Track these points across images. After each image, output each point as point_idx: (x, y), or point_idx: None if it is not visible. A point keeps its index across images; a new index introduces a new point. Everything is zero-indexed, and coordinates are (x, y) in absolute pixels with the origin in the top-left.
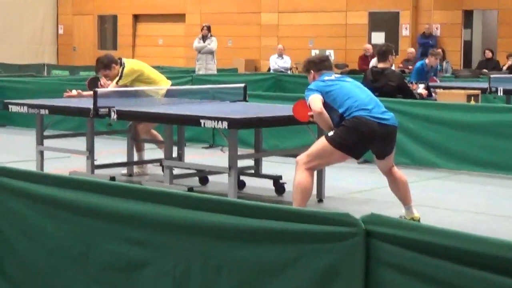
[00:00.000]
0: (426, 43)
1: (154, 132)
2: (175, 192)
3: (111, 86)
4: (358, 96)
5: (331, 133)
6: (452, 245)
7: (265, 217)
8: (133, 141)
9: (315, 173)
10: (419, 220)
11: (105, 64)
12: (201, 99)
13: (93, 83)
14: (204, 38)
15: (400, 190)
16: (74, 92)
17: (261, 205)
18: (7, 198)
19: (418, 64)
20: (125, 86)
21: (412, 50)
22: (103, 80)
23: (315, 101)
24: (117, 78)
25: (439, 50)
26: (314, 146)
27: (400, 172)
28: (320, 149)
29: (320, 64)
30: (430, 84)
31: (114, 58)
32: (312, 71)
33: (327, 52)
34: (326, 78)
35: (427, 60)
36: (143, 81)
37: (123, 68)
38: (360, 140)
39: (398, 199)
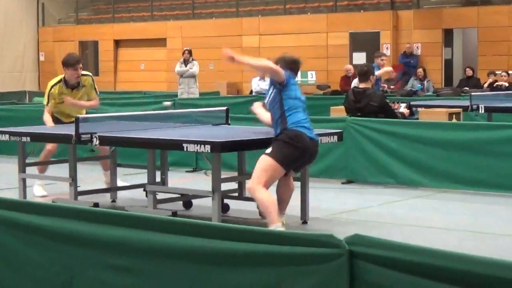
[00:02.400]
0: (407, 62)
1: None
2: (159, 217)
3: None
4: (302, 113)
5: (268, 150)
6: (438, 264)
7: (249, 240)
8: (114, 166)
9: (299, 193)
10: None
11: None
12: (184, 123)
13: None
14: (185, 62)
15: (283, 193)
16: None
17: (244, 229)
18: None
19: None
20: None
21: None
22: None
23: (279, 69)
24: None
25: (382, 51)
26: (256, 167)
27: (292, 181)
28: (263, 166)
29: (291, 65)
30: (412, 103)
31: None
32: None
33: (309, 74)
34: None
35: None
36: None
37: (92, 80)
38: (296, 154)
39: (277, 201)
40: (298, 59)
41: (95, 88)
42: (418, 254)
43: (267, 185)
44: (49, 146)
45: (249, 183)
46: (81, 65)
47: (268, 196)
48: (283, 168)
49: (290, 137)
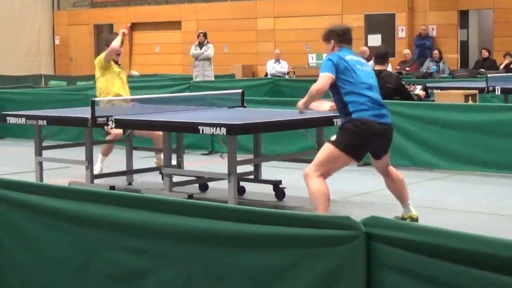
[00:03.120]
0: (423, 44)
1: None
2: (174, 200)
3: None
4: (365, 91)
5: (333, 138)
6: (454, 246)
7: (265, 222)
8: (130, 149)
9: None
10: (417, 219)
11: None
12: (199, 106)
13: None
14: (200, 45)
15: (397, 188)
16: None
17: (261, 211)
18: (7, 210)
19: None
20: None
21: (408, 51)
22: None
23: (323, 79)
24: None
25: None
26: (319, 154)
27: (396, 171)
28: (325, 155)
29: (342, 36)
30: (428, 85)
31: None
32: (332, 41)
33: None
34: (347, 57)
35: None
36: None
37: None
38: (362, 141)
39: (396, 197)
40: (349, 27)
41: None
42: (434, 235)
43: (326, 174)
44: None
45: (306, 169)
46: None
47: (320, 187)
48: (349, 156)
49: (355, 125)
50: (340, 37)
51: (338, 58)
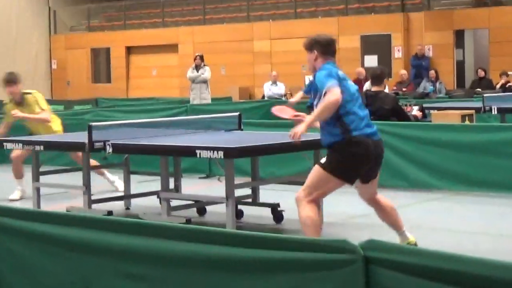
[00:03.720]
0: (419, 64)
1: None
2: (173, 225)
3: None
4: (361, 108)
5: (323, 160)
6: (454, 269)
7: (263, 247)
8: (127, 173)
9: None
10: (415, 244)
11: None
12: (197, 129)
13: None
14: (197, 67)
15: (389, 217)
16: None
17: (259, 236)
18: (5, 237)
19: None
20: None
21: (404, 72)
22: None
23: (335, 90)
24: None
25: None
26: (309, 178)
27: (385, 198)
28: (315, 179)
29: (326, 47)
30: (425, 105)
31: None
32: (315, 52)
33: None
34: (338, 72)
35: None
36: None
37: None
38: (359, 163)
39: (389, 226)
40: (333, 39)
41: (38, 104)
42: (433, 258)
43: (318, 197)
44: (15, 153)
45: (298, 192)
46: (17, 83)
47: (310, 213)
48: (340, 180)
49: (349, 145)
50: (324, 47)
51: (333, 70)
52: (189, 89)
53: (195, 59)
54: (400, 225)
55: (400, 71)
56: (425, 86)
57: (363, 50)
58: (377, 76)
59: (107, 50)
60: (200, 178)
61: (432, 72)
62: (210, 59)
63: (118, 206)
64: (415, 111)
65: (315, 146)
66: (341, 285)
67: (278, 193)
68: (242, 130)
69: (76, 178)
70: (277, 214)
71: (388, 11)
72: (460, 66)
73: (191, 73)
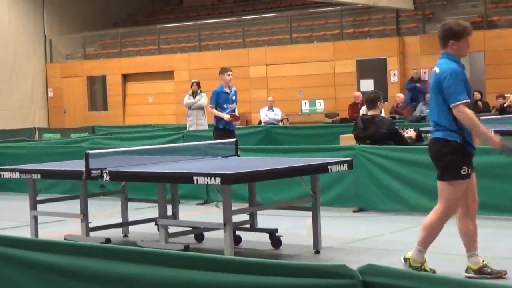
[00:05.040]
0: (415, 88)
1: None
2: (171, 252)
3: None
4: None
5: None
6: None
7: (262, 273)
8: (125, 200)
9: (311, 223)
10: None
11: None
12: (193, 155)
13: None
14: (194, 94)
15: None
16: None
17: (257, 262)
18: (4, 266)
19: (217, 88)
20: None
21: (400, 95)
22: None
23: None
24: None
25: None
26: (440, 197)
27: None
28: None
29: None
30: (421, 129)
31: None
32: (450, 42)
33: (317, 102)
34: None
35: (222, 82)
36: None
37: None
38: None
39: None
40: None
41: None
42: (432, 283)
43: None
44: None
45: (434, 212)
46: None
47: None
48: (462, 180)
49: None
50: (457, 37)
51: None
52: (186, 115)
53: (191, 86)
54: (469, 247)
55: (396, 94)
56: (422, 109)
57: (359, 74)
58: (371, 100)
59: (103, 78)
60: (197, 204)
61: (428, 96)
62: (206, 85)
63: (116, 234)
64: (411, 132)
65: (312, 171)
66: None
67: (276, 218)
68: (239, 156)
69: (73, 205)
70: (275, 240)
71: (383, 35)
72: None
73: (187, 99)
